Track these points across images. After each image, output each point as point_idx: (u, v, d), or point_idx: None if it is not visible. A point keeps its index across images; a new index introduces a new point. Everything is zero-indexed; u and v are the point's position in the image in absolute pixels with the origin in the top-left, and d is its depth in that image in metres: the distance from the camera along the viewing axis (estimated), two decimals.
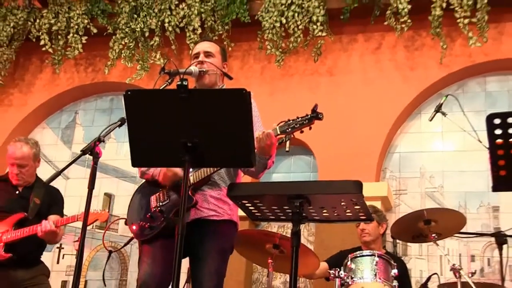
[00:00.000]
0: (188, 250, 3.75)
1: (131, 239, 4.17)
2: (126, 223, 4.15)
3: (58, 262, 7.37)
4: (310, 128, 3.75)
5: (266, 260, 4.91)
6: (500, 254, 5.19)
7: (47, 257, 7.21)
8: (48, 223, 4.90)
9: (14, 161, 5.23)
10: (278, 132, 3.73)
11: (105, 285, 6.91)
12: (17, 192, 5.33)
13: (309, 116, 3.69)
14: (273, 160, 3.90)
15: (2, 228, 5.05)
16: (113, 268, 7.18)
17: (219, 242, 3.92)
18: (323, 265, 5.41)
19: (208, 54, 4.13)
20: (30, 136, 7.74)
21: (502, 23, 6.61)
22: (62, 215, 5.33)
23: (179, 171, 3.80)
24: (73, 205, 7.40)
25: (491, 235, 5.34)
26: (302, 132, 3.77)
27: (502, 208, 6.33)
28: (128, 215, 4.16)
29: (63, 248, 7.39)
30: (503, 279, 5.14)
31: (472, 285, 4.77)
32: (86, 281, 7.06)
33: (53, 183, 4.20)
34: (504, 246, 5.19)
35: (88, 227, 3.85)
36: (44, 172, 7.26)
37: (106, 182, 7.17)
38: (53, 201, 5.30)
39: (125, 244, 4.52)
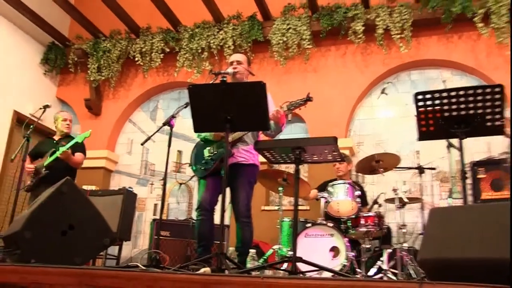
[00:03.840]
0: (228, 183, 3.75)
1: (193, 176, 4.19)
2: (189, 166, 4.19)
3: (151, 192, 7.39)
4: (305, 107, 3.80)
5: (278, 188, 4.89)
6: (421, 180, 5.27)
7: (144, 190, 7.37)
8: (66, 152, 5.12)
9: (68, 118, 5.64)
10: (285, 109, 3.78)
11: (178, 205, 6.96)
12: (54, 141, 5.48)
13: (305, 99, 3.76)
14: (284, 126, 3.90)
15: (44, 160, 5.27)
16: (184, 196, 7.20)
17: (247, 177, 3.94)
18: (314, 191, 5.41)
19: (239, 62, 4.14)
20: (130, 117, 7.85)
21: (420, 37, 6.49)
22: (85, 154, 5.51)
23: (222, 134, 3.82)
24: (158, 158, 7.48)
25: (415, 168, 5.31)
26: (300, 109, 3.82)
27: (421, 152, 6.26)
28: (190, 161, 4.17)
29: (153, 184, 7.41)
30: (422, 195, 5.19)
31: (404, 198, 4.77)
32: (168, 204, 7.08)
33: (145, 146, 4.26)
34: (423, 175, 5.25)
35: (168, 171, 3.85)
36: (140, 138, 7.33)
37: (178, 143, 7.15)
38: (78, 147, 5.29)
39: (189, 179, 4.54)
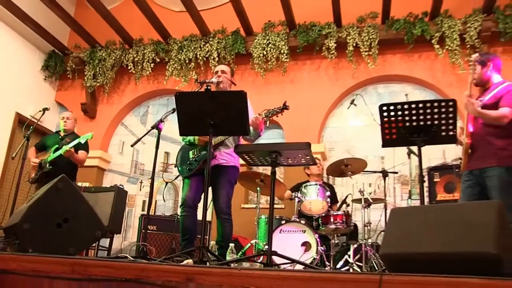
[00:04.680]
0: (211, 183, 3.74)
1: (178, 176, 4.14)
2: (175, 166, 4.15)
3: (140, 190, 7.33)
4: (282, 114, 3.75)
5: (256, 188, 4.89)
6: (384, 182, 5.25)
7: (134, 187, 7.31)
8: (71, 150, 4.98)
9: (65, 116, 5.46)
10: (263, 116, 3.72)
11: (164, 202, 6.91)
12: (59, 137, 5.35)
13: (281, 107, 3.71)
14: (263, 132, 3.88)
15: (48, 154, 5.14)
16: (170, 193, 7.16)
17: (228, 178, 3.90)
18: (289, 192, 5.40)
19: (223, 72, 4.10)
20: (123, 121, 7.78)
21: (385, 55, 6.58)
22: (88, 152, 5.35)
23: (206, 138, 3.75)
24: (147, 158, 7.42)
25: (380, 172, 5.33)
26: (277, 116, 3.76)
27: (385, 157, 6.33)
28: (176, 162, 4.13)
29: (142, 182, 7.35)
30: (385, 196, 5.17)
31: (370, 199, 4.83)
32: (156, 201, 7.03)
33: (135, 147, 4.18)
34: (386, 178, 5.26)
35: (156, 170, 3.82)
36: (131, 140, 7.26)
37: (165, 145, 7.12)
38: (81, 145, 5.15)
39: (175, 178, 4.48)
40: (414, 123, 3.01)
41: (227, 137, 3.89)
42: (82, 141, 5.03)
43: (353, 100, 5.43)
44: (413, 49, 6.40)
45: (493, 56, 3.70)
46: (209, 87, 3.20)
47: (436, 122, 2.97)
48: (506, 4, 6.01)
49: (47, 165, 5.04)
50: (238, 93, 3.07)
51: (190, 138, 4.01)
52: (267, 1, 6.83)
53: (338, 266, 4.57)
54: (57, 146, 5.13)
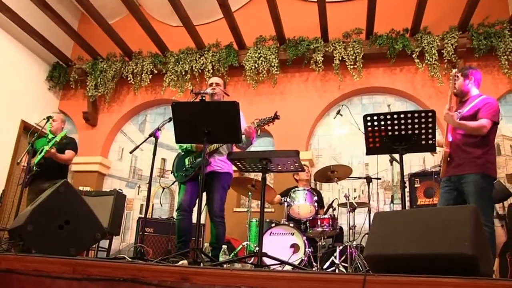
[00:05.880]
0: (205, 187, 3.72)
1: (175, 181, 4.11)
2: (171, 173, 4.12)
3: (138, 194, 7.28)
4: (273, 123, 3.77)
5: (247, 193, 4.88)
6: (368, 188, 5.26)
7: (132, 192, 7.26)
8: (51, 150, 4.73)
9: (53, 118, 5.15)
10: (256, 125, 3.74)
11: (161, 205, 6.86)
12: (47, 140, 5.07)
13: (273, 117, 3.73)
14: (254, 140, 3.87)
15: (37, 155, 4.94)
16: (167, 198, 7.12)
17: (222, 183, 3.89)
18: (278, 196, 5.39)
19: (217, 83, 4.09)
20: (122, 128, 7.73)
21: (369, 68, 6.61)
22: (75, 151, 5.14)
23: (201, 146, 3.75)
24: (145, 164, 7.38)
25: (364, 178, 5.34)
26: (269, 125, 3.76)
27: (369, 164, 6.33)
28: (173, 168, 4.11)
29: (140, 187, 7.30)
30: (369, 201, 5.18)
31: (354, 203, 4.84)
32: (153, 205, 6.98)
33: (133, 153, 4.09)
34: (370, 184, 5.26)
35: (153, 176, 3.79)
36: (130, 147, 7.23)
37: (162, 152, 7.08)
38: (68, 144, 5.00)
39: (171, 184, 4.44)
40: (396, 132, 3.03)
41: (221, 145, 3.89)
42: (58, 139, 4.79)
43: (339, 111, 5.45)
44: (395, 63, 6.45)
45: (475, 71, 3.74)
46: (203, 98, 3.21)
47: (416, 131, 2.99)
48: (479, 23, 6.10)
49: (34, 167, 4.90)
50: (231, 104, 3.07)
51: (187, 145, 4.00)
52: (258, 17, 6.86)
53: (325, 267, 4.56)
54: (42, 148, 4.98)
